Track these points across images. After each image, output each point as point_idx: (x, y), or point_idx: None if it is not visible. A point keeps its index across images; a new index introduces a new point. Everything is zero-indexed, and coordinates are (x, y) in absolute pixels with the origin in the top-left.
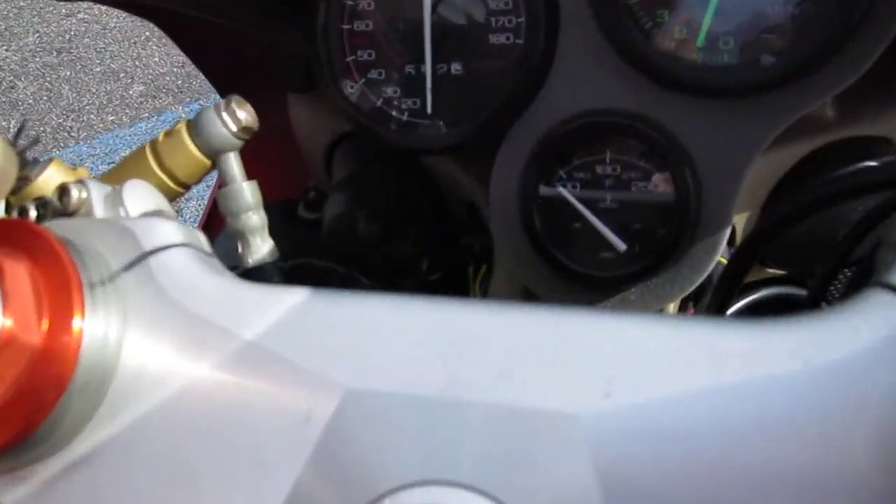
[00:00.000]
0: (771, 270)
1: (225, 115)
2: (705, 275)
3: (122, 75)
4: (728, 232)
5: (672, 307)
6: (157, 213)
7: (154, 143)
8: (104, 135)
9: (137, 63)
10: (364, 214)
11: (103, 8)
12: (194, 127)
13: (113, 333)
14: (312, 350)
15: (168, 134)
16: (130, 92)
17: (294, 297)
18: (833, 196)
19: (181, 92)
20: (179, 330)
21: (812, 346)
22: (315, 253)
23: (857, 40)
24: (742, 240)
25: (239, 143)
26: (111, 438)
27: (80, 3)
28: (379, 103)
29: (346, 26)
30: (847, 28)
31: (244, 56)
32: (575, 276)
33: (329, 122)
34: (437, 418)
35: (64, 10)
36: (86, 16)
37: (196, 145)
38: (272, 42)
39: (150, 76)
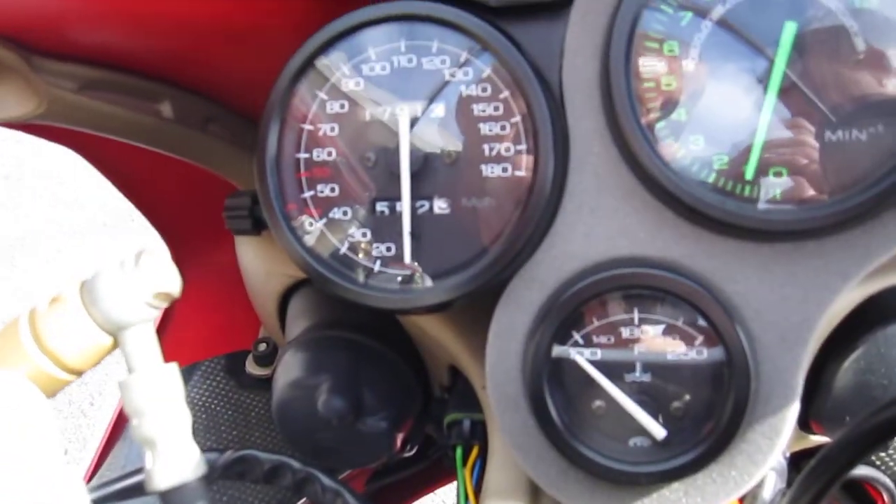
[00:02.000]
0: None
1: (133, 276)
2: (767, 467)
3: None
4: (797, 408)
5: None
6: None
7: (33, 315)
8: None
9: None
10: (325, 385)
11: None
12: (90, 292)
13: None
14: None
15: (54, 301)
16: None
17: None
18: None
19: (132, 220)
20: None
21: None
22: (263, 433)
23: None
24: (834, 443)
25: (151, 314)
26: None
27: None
28: (344, 249)
29: (303, 155)
30: None
31: (179, 188)
32: (597, 469)
33: (282, 266)
34: None
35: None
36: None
37: (92, 317)
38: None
39: (98, 202)
